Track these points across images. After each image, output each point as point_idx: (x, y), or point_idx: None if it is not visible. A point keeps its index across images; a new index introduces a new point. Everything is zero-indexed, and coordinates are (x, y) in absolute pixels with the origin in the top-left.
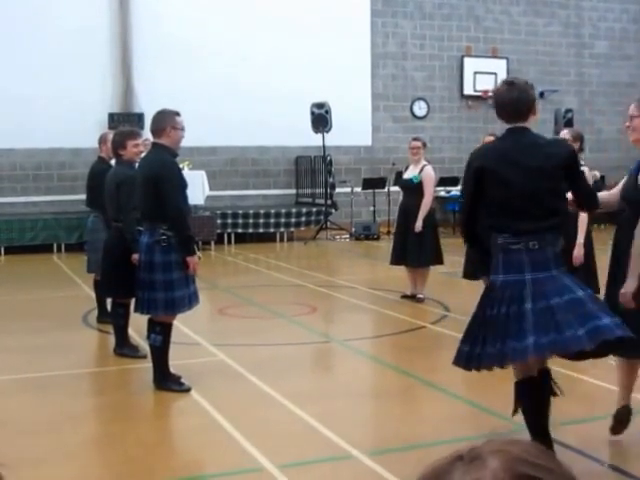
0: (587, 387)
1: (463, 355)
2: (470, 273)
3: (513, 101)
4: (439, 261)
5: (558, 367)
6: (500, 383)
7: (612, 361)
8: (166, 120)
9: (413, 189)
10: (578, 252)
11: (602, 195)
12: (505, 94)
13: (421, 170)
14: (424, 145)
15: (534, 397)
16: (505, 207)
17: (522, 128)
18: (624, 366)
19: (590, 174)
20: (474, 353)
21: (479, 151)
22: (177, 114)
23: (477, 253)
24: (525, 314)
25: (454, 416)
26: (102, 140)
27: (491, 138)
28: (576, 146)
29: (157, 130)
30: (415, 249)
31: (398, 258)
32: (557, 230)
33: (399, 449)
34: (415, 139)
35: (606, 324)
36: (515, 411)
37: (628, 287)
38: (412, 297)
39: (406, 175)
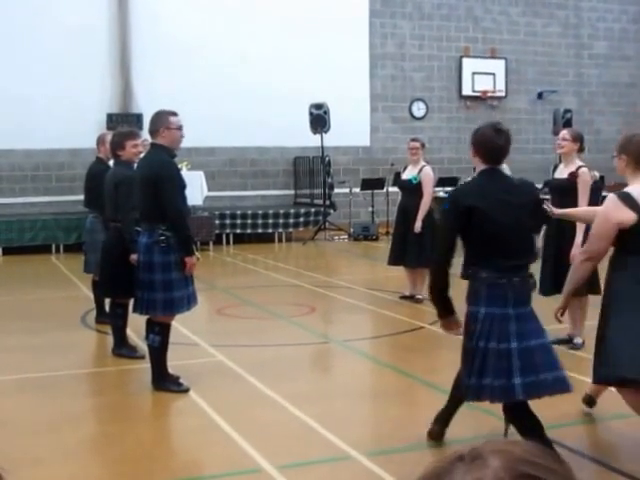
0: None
1: (472, 389)
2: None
3: (501, 147)
4: None
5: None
6: None
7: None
8: (160, 121)
9: (412, 189)
10: (576, 252)
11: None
12: (495, 140)
13: (420, 170)
14: (423, 146)
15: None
16: (492, 243)
17: (497, 169)
18: None
19: (590, 174)
20: (483, 384)
21: (466, 190)
22: (172, 114)
23: (440, 285)
24: (511, 354)
25: (455, 417)
26: (100, 141)
27: None
28: (576, 147)
29: (153, 131)
30: (414, 249)
31: (397, 258)
32: (529, 265)
33: (398, 450)
34: (414, 140)
35: (565, 375)
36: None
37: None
38: (411, 297)
39: (405, 175)
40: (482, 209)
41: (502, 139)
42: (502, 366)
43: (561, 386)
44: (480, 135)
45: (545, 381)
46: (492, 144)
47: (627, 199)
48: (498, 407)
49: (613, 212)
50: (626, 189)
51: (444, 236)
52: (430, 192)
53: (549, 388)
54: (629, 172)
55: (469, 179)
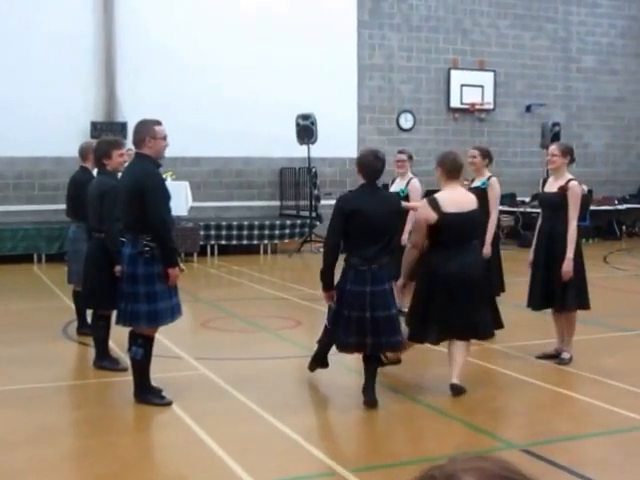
0: (577, 404)
1: (340, 344)
2: None
3: (378, 170)
4: None
5: (550, 385)
6: (488, 401)
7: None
8: (145, 131)
9: None
10: (567, 266)
11: None
12: (374, 163)
13: (407, 183)
14: (410, 157)
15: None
16: (362, 238)
17: (375, 184)
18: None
19: (579, 188)
20: (348, 342)
21: (350, 197)
22: (157, 123)
23: (331, 265)
24: (365, 320)
25: (440, 433)
26: (86, 150)
27: (475, 152)
28: (566, 161)
29: (137, 141)
30: (400, 262)
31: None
32: (388, 256)
33: (383, 466)
34: (400, 152)
35: (400, 340)
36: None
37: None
38: (399, 312)
39: (392, 188)
40: (359, 213)
41: (379, 164)
42: (359, 328)
43: (394, 346)
44: (364, 158)
45: (385, 342)
46: (372, 167)
47: (432, 202)
48: (485, 424)
49: (423, 212)
50: (435, 195)
51: (334, 230)
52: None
53: (386, 347)
54: (442, 182)
55: (351, 190)
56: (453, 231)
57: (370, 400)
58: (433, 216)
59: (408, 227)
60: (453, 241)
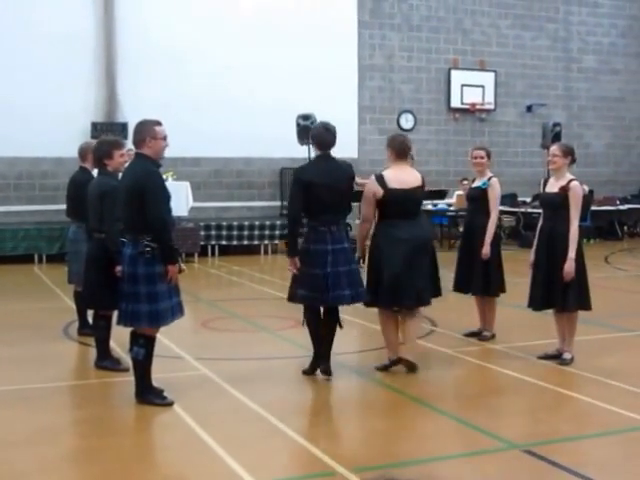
0: (578, 405)
1: (297, 296)
2: (460, 287)
3: (329, 141)
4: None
5: (551, 385)
6: (488, 400)
7: None
8: (145, 131)
9: None
10: (569, 267)
11: None
12: (325, 135)
13: None
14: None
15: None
16: (320, 204)
17: (329, 155)
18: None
19: (580, 188)
20: (299, 292)
21: (304, 169)
22: (157, 124)
23: (295, 231)
24: (327, 275)
25: (440, 432)
26: (85, 151)
27: (482, 152)
28: (567, 161)
29: (138, 141)
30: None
31: None
32: (345, 218)
33: (384, 466)
34: None
35: (363, 290)
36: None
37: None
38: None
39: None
40: (316, 182)
41: (330, 136)
42: (320, 284)
43: (359, 298)
44: (315, 131)
45: (347, 295)
46: (323, 138)
47: (379, 179)
48: (485, 424)
49: (371, 187)
50: (383, 172)
51: (294, 200)
52: None
53: (349, 299)
54: (391, 161)
55: (309, 161)
56: (397, 205)
57: (326, 368)
58: (380, 191)
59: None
60: (398, 214)
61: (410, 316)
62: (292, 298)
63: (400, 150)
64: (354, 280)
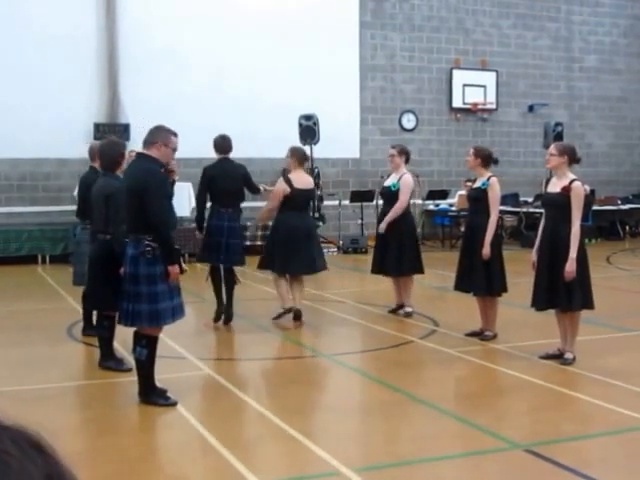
0: (580, 404)
1: (199, 255)
2: (462, 286)
3: (226, 147)
4: (419, 270)
5: (553, 385)
6: (491, 401)
7: None
8: (161, 136)
9: (391, 196)
10: (570, 267)
11: None
12: (222, 142)
13: (400, 178)
14: (401, 153)
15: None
16: (219, 194)
17: (227, 158)
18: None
19: (582, 188)
20: (204, 255)
21: (210, 167)
22: (174, 134)
23: (201, 212)
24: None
25: (442, 432)
26: (94, 150)
27: (470, 151)
28: (563, 160)
29: (149, 142)
30: (392, 258)
31: (377, 267)
32: (239, 203)
33: (386, 466)
34: (392, 147)
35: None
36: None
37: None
38: (399, 307)
39: (386, 183)
40: (215, 176)
41: (225, 142)
42: (216, 249)
43: (239, 262)
44: (215, 140)
45: (233, 259)
46: (219, 145)
47: (288, 180)
48: (486, 424)
49: (281, 186)
50: (289, 175)
51: (200, 189)
52: (405, 199)
53: (234, 262)
54: (293, 167)
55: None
56: (297, 201)
57: (230, 317)
58: (287, 189)
59: (390, 217)
60: (295, 207)
61: (297, 279)
62: (199, 258)
63: (301, 159)
64: (238, 250)
